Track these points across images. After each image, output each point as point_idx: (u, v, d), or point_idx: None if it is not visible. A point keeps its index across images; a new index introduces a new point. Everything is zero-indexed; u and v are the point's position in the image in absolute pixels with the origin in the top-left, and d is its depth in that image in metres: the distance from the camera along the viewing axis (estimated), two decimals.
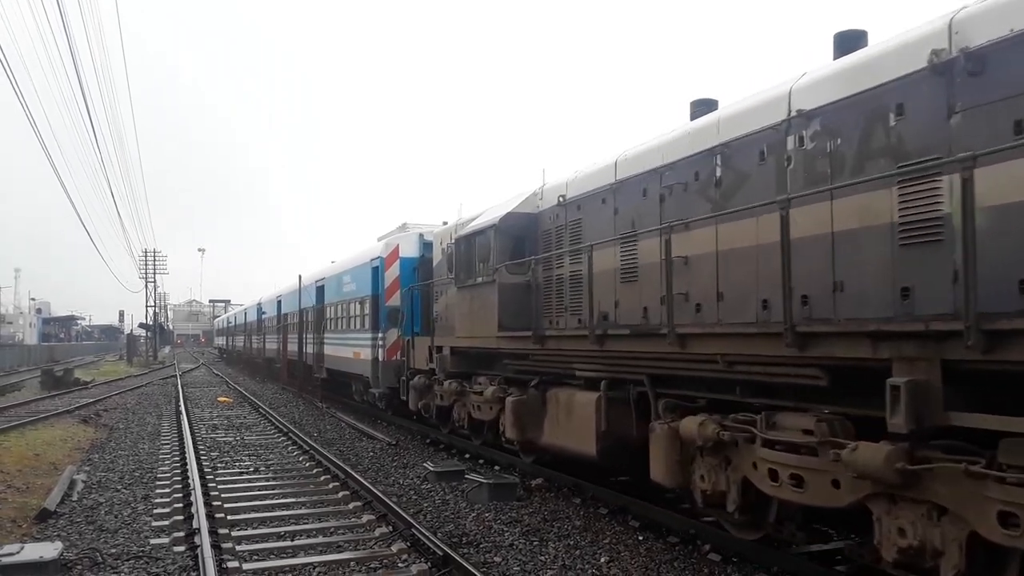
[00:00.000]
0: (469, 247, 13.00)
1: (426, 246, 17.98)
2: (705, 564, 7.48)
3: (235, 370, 53.13)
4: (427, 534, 8.14)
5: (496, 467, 12.83)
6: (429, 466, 12.34)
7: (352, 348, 20.72)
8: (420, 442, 16.29)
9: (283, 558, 7.86)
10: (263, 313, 42.21)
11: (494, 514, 9.65)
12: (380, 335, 18.43)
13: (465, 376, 13.87)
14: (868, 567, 6.09)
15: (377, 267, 18.76)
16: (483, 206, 15.18)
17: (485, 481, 10.63)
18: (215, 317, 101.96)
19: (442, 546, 7.67)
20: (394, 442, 15.89)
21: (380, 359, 18.28)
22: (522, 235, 11.81)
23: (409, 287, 17.02)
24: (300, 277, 29.95)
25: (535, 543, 8.36)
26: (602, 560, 7.68)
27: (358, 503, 10.29)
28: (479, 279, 12.45)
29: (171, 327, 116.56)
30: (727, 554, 7.59)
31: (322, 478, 12.30)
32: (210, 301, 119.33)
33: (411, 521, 8.71)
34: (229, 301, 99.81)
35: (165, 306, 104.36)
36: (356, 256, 21.84)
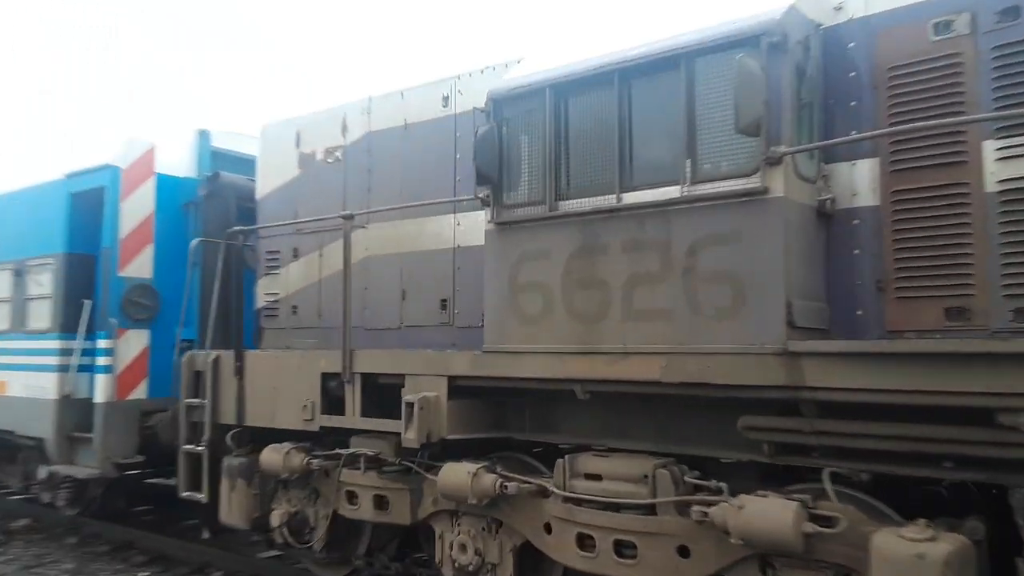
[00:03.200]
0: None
1: (230, 161, 8.96)
2: None
3: None
4: None
5: None
6: None
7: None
8: None
9: None
10: None
11: None
12: (96, 342, 8.67)
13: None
14: None
15: (93, 193, 8.91)
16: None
17: None
18: None
19: None
20: None
21: (99, 396, 8.48)
22: None
23: (232, 234, 7.80)
24: None
25: None
26: None
27: None
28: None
29: None
30: None
31: None
32: None
33: None
34: None
35: None
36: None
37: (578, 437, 5.52)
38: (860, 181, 4.63)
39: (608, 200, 4.95)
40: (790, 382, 4.23)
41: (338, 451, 6.38)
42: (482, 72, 6.49)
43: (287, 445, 6.67)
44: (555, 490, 5.14)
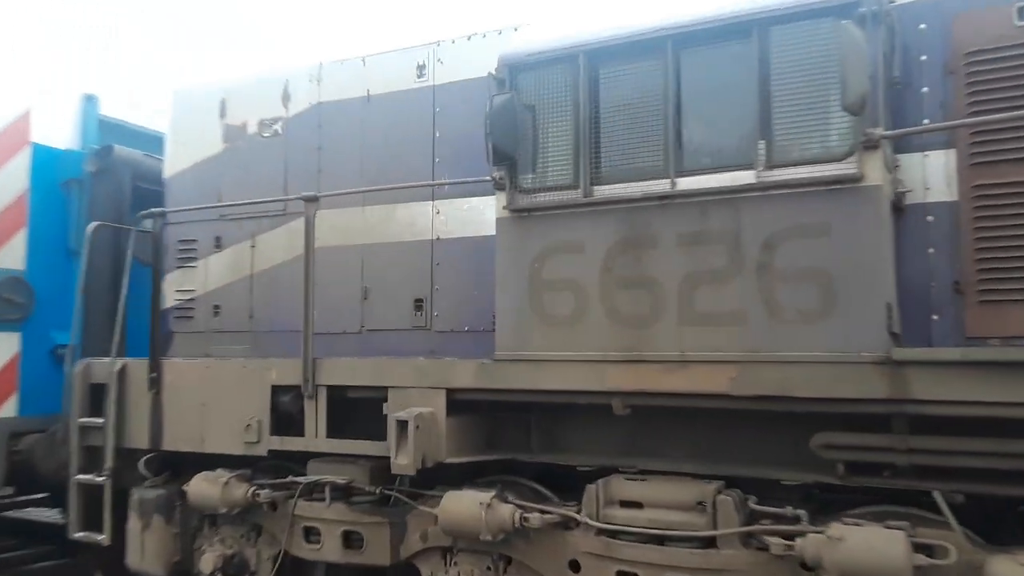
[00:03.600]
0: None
1: (123, 134, 7.58)
2: None
3: None
4: None
5: None
6: None
7: None
8: None
9: None
10: None
11: None
12: None
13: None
14: None
15: None
16: None
17: None
18: None
19: None
20: None
21: None
22: None
23: (146, 218, 6.39)
24: None
25: None
26: None
27: None
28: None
29: None
30: None
31: None
32: None
33: None
34: None
35: None
36: None
37: (600, 458, 4.82)
38: (934, 174, 4.24)
39: (660, 185, 4.29)
40: (892, 394, 3.74)
41: (293, 479, 5.33)
42: (469, 39, 5.67)
43: (222, 473, 5.51)
44: (588, 521, 4.41)
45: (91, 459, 6.04)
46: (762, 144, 4.06)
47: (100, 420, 5.95)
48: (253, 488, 5.35)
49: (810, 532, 3.85)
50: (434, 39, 5.83)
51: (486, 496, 4.56)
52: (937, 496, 3.78)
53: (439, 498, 4.89)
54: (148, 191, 7.06)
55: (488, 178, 4.87)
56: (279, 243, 6.27)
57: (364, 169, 5.93)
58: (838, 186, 3.89)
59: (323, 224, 5.85)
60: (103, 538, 5.85)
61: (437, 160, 5.66)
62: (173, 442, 5.76)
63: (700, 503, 4.23)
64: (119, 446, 5.90)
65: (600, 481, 4.49)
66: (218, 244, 6.54)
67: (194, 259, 6.61)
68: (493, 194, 5.38)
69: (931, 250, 4.22)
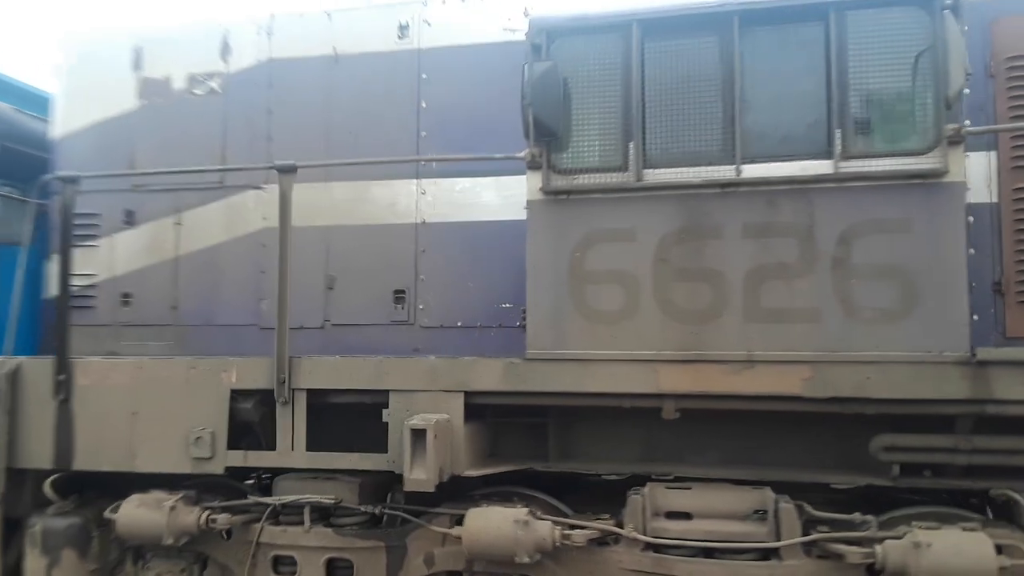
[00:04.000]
0: None
1: None
2: None
3: None
4: None
5: None
6: None
7: None
8: None
9: None
10: None
11: None
12: None
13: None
14: None
15: None
16: None
17: None
18: None
19: None
20: None
21: None
22: None
23: (55, 184, 5.10)
24: None
25: None
26: None
27: None
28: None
29: None
30: None
31: None
32: None
33: None
34: None
35: None
36: None
37: (626, 465, 4.44)
38: (975, 176, 4.24)
39: (724, 172, 3.98)
40: (974, 395, 3.67)
41: (258, 500, 4.48)
42: (464, 0, 5.07)
43: (159, 495, 4.53)
44: (637, 536, 4.00)
45: None
46: (839, 133, 3.86)
47: None
48: (207, 513, 4.43)
49: (887, 538, 3.70)
50: None
51: (520, 512, 4.02)
52: (1016, 496, 3.76)
53: (445, 516, 4.30)
54: (22, 155, 5.78)
55: (497, 156, 4.33)
56: (214, 221, 5.32)
57: (331, 139, 5.14)
58: (920, 181, 3.77)
59: (276, 200, 5.02)
60: None
61: (423, 134, 5.02)
62: (89, 460, 4.66)
63: (758, 511, 3.97)
64: (9, 466, 4.71)
65: (644, 491, 4.10)
66: (129, 219, 5.45)
67: (94, 236, 5.47)
68: (489, 175, 4.91)
69: (971, 251, 4.23)
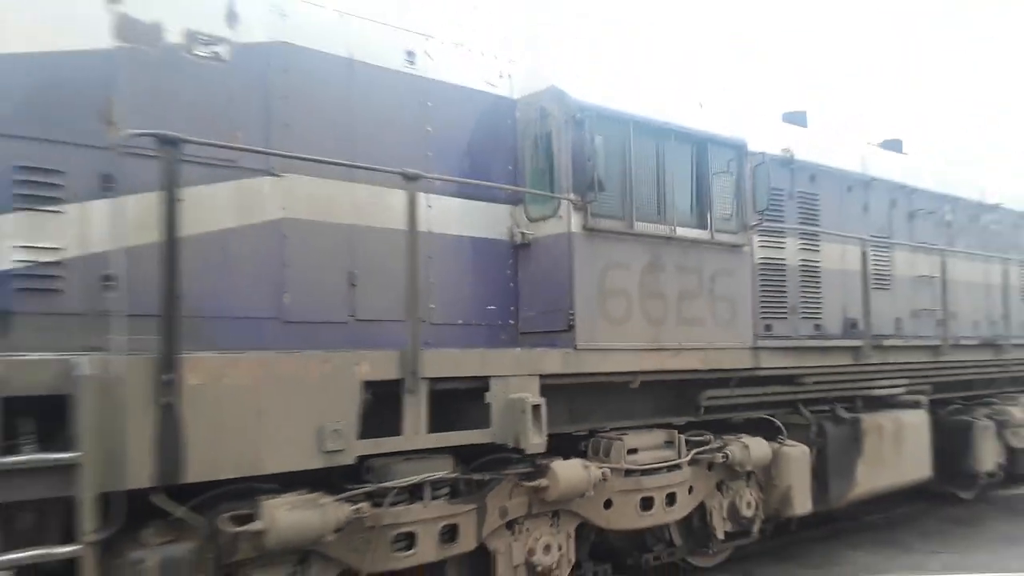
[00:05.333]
0: None
1: None
2: None
3: None
4: None
5: None
6: None
7: None
8: None
9: None
10: None
11: None
12: None
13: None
14: None
15: None
16: None
17: None
18: None
19: None
20: None
21: None
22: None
23: None
24: None
25: None
26: None
27: None
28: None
29: None
30: None
31: None
32: None
33: None
34: None
35: None
36: None
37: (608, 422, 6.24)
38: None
39: (665, 229, 6.32)
40: (753, 365, 6.91)
41: (384, 484, 4.68)
42: (457, 47, 6.02)
43: (302, 495, 4.27)
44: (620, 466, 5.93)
45: (42, 523, 3.43)
46: (709, 215, 6.64)
47: (67, 455, 3.52)
48: (357, 505, 4.44)
49: (730, 445, 6.60)
50: (422, 30, 5.79)
51: (584, 462, 5.53)
52: (775, 420, 7.12)
53: (513, 475, 5.38)
54: None
55: (508, 187, 5.78)
56: (223, 203, 4.87)
57: (346, 140, 5.33)
58: (736, 248, 6.83)
59: (296, 191, 5.14)
60: None
61: (429, 154, 5.72)
62: (204, 470, 3.97)
63: (668, 442, 6.38)
64: (104, 491, 3.63)
65: (617, 438, 6.03)
66: (108, 185, 4.44)
67: (57, 199, 4.27)
68: (488, 201, 6.07)
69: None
